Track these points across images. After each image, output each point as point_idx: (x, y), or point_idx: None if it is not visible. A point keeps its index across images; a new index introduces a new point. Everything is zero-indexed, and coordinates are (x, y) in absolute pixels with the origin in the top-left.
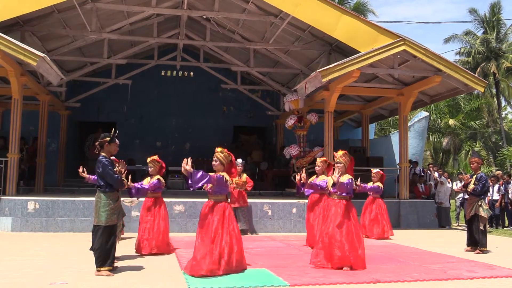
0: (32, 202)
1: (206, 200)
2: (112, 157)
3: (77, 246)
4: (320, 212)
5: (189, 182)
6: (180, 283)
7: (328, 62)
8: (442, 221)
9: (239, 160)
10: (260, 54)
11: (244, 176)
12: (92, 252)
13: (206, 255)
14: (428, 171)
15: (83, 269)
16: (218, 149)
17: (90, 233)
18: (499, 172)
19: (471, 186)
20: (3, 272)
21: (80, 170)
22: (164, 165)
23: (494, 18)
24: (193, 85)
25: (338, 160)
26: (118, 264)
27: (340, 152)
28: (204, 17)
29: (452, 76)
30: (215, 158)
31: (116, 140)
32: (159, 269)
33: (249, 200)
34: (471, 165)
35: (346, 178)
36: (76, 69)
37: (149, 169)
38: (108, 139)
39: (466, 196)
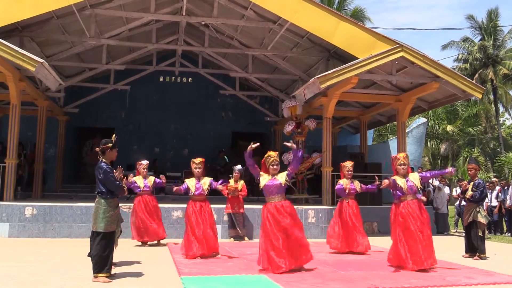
0: (29, 208)
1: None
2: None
3: (75, 252)
4: (345, 217)
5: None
6: None
7: (326, 68)
8: (440, 227)
9: (238, 167)
10: (259, 60)
11: (241, 183)
12: (89, 258)
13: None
14: None
15: (81, 275)
16: (274, 153)
17: (88, 239)
18: (496, 180)
19: (469, 192)
20: (0, 278)
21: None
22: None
23: (491, 25)
24: (192, 91)
25: (402, 162)
26: (115, 270)
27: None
28: (203, 23)
29: (450, 82)
30: (276, 162)
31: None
32: (157, 275)
33: (247, 206)
34: (469, 172)
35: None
36: (74, 75)
37: (197, 170)
38: (110, 145)
39: (463, 203)
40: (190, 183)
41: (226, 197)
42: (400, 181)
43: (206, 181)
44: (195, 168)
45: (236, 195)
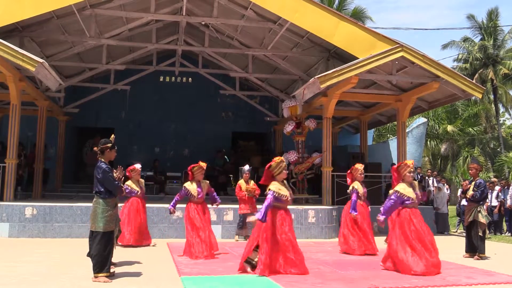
0: (29, 208)
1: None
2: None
3: (75, 252)
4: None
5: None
6: None
7: (326, 68)
8: (440, 227)
9: (246, 167)
10: (259, 60)
11: (252, 182)
12: (89, 258)
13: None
14: (426, 177)
15: (81, 275)
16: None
17: (88, 239)
18: (496, 179)
19: (470, 192)
20: (0, 278)
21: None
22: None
23: (491, 25)
24: (192, 91)
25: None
26: (115, 270)
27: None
28: (203, 23)
29: (450, 82)
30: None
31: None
32: (157, 275)
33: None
34: (470, 171)
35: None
36: (74, 75)
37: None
38: (109, 145)
39: (464, 203)
40: (191, 187)
41: (236, 197)
42: (407, 191)
43: (205, 185)
44: (201, 172)
45: (254, 195)
